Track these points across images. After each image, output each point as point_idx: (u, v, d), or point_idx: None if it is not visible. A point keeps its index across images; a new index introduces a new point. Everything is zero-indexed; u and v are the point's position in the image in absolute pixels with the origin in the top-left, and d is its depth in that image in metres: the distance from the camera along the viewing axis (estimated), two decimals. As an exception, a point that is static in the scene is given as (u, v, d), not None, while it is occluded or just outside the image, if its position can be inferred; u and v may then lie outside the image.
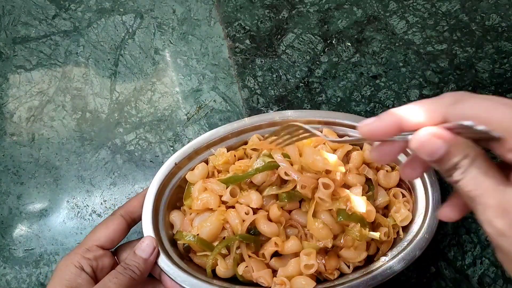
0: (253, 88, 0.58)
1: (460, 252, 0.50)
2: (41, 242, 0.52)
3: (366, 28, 0.61)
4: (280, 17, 0.62)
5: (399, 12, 0.62)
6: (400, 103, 0.57)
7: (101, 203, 0.53)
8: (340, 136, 0.48)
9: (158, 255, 0.42)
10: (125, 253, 0.44)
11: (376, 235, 0.41)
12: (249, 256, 0.42)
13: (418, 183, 0.46)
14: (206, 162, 0.48)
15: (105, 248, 0.42)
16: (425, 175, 0.45)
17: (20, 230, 0.52)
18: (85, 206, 0.53)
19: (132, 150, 0.55)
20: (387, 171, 0.47)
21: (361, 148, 0.48)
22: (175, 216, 0.46)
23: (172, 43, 0.61)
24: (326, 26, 0.61)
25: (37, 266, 0.51)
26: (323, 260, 0.42)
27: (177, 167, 0.47)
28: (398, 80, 0.58)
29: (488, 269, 0.49)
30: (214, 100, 0.58)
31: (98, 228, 0.42)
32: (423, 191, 0.45)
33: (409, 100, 0.56)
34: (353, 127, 0.48)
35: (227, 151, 0.47)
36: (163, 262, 0.42)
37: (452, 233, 0.50)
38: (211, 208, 0.44)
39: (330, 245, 0.41)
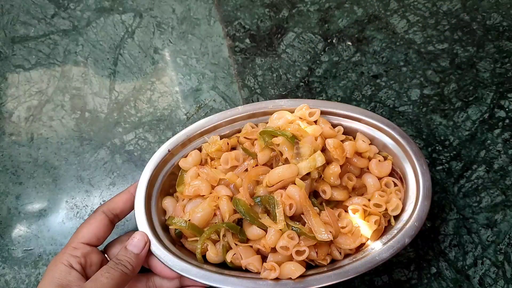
0: (253, 88, 0.58)
1: (461, 253, 0.49)
2: (40, 242, 0.51)
3: (366, 27, 0.61)
4: (280, 16, 0.61)
5: (400, 11, 0.61)
6: (401, 102, 0.56)
7: (100, 203, 0.53)
8: (334, 125, 0.48)
9: (149, 250, 0.42)
10: (115, 249, 0.44)
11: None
12: (236, 244, 0.43)
13: (409, 172, 0.46)
14: (199, 149, 0.48)
15: (91, 244, 0.42)
16: (416, 164, 0.45)
17: (19, 230, 0.52)
18: (84, 206, 0.53)
19: (131, 150, 0.55)
20: (379, 160, 0.47)
21: (354, 138, 0.48)
22: (167, 202, 0.47)
23: (171, 42, 0.60)
24: (326, 25, 0.61)
25: (36, 266, 0.50)
26: (316, 249, 0.42)
27: (171, 154, 0.47)
28: (399, 79, 0.58)
29: (489, 270, 0.49)
30: (214, 100, 0.58)
31: (81, 227, 0.43)
32: (414, 180, 0.45)
33: (409, 100, 0.56)
34: (347, 117, 0.48)
35: (220, 139, 0.47)
36: (154, 246, 0.42)
37: (453, 233, 0.50)
38: (203, 195, 0.45)
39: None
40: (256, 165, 0.45)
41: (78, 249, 0.41)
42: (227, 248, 0.43)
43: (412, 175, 0.46)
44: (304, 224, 0.42)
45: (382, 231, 0.45)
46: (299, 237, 0.41)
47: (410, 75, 0.58)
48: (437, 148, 0.54)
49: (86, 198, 0.53)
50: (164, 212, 0.47)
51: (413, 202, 0.44)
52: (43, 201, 0.53)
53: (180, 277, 0.43)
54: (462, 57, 0.58)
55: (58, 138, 0.56)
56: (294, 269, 0.41)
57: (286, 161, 0.44)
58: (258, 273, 0.42)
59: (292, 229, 0.41)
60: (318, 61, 0.59)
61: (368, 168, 0.47)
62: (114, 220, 0.44)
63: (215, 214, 0.44)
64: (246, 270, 0.42)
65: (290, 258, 0.42)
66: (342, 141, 0.46)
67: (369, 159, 0.47)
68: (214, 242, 0.44)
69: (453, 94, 0.57)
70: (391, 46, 0.59)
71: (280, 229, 0.41)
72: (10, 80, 0.58)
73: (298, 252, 0.41)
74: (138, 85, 0.58)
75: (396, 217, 0.45)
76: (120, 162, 0.55)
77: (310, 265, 0.43)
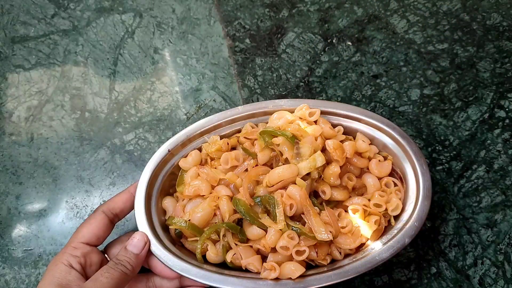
0: (253, 88, 0.58)
1: (461, 253, 0.49)
2: (40, 242, 0.51)
3: (366, 27, 0.61)
4: (280, 16, 0.61)
5: (400, 11, 0.61)
6: (401, 102, 0.56)
7: (100, 203, 0.53)
8: (334, 125, 0.48)
9: (149, 250, 0.42)
10: (116, 249, 0.44)
11: None
12: (236, 244, 0.43)
13: (409, 172, 0.46)
14: (199, 149, 0.48)
15: (91, 244, 0.42)
16: (416, 164, 0.45)
17: (19, 230, 0.52)
18: (84, 206, 0.53)
19: (131, 150, 0.55)
20: (379, 160, 0.47)
21: (354, 138, 0.48)
22: (167, 202, 0.47)
23: (171, 42, 0.61)
24: (326, 25, 0.61)
25: (36, 266, 0.50)
26: (316, 249, 0.42)
27: (171, 154, 0.47)
28: (399, 79, 0.58)
29: (489, 270, 0.49)
30: (214, 100, 0.58)
31: (81, 226, 0.43)
32: (414, 180, 0.46)
33: (409, 100, 0.56)
34: (347, 117, 0.48)
35: (220, 139, 0.47)
36: (154, 246, 0.42)
37: (453, 233, 0.50)
38: (203, 195, 0.45)
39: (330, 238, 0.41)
40: (256, 165, 0.45)
41: (78, 249, 0.41)
42: (227, 248, 0.43)
43: (412, 175, 0.46)
44: (304, 224, 0.42)
45: (382, 231, 0.45)
46: (299, 237, 0.41)
47: (410, 75, 0.58)
48: (437, 148, 0.54)
49: (86, 198, 0.53)
50: (164, 212, 0.47)
51: (413, 202, 0.44)
52: (43, 201, 0.53)
53: (180, 277, 0.43)
54: (462, 57, 0.58)
55: (58, 138, 0.56)
56: (294, 269, 0.41)
57: (286, 161, 0.44)
58: (258, 273, 0.42)
59: (292, 229, 0.41)
60: (318, 61, 0.59)
61: (368, 168, 0.47)
62: (114, 219, 0.44)
63: (215, 214, 0.44)
64: (246, 270, 0.42)
65: (290, 258, 0.42)
66: (342, 141, 0.46)
67: (369, 159, 0.47)
68: (214, 242, 0.44)
69: (453, 94, 0.57)
70: (391, 46, 0.59)
71: (280, 229, 0.41)
72: (10, 80, 0.58)
73: (298, 252, 0.41)
74: (138, 85, 0.58)
75: (396, 217, 0.45)
76: (120, 162, 0.55)
77: (310, 265, 0.43)
